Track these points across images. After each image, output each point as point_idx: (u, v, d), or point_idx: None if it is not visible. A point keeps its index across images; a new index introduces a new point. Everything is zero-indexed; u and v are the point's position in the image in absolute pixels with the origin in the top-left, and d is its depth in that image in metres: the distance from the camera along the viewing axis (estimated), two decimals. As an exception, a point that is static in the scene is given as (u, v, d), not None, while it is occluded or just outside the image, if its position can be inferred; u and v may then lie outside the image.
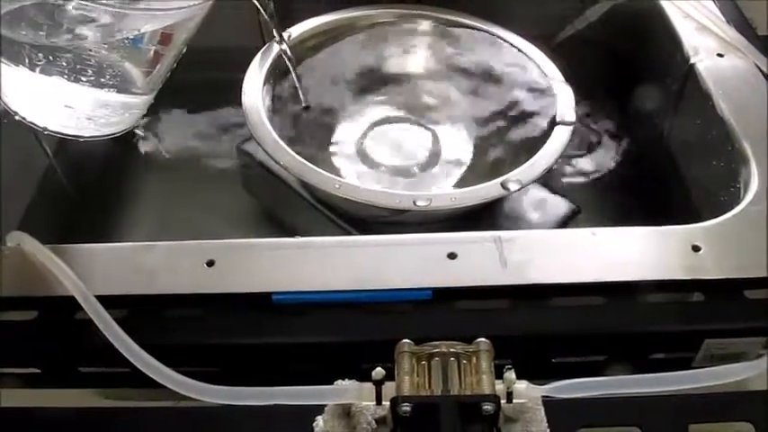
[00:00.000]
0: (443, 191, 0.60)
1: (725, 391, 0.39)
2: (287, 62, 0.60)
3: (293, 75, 0.61)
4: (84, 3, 0.41)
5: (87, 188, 0.67)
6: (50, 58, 0.43)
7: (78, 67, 0.43)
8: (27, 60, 0.42)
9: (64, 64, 0.43)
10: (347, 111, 0.67)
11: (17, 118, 0.45)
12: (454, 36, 0.67)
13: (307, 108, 0.63)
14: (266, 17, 0.57)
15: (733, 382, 0.39)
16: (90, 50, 0.43)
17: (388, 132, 0.66)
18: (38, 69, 0.43)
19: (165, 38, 0.46)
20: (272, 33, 0.59)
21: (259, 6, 0.56)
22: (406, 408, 0.33)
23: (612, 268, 0.45)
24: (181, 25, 0.46)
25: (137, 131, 0.69)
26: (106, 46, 0.43)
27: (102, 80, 0.45)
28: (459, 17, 0.67)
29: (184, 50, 0.49)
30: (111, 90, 0.46)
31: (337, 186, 0.52)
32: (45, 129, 0.46)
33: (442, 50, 0.68)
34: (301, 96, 0.62)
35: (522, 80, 0.63)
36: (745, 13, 0.64)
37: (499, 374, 0.35)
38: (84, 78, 0.44)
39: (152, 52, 0.46)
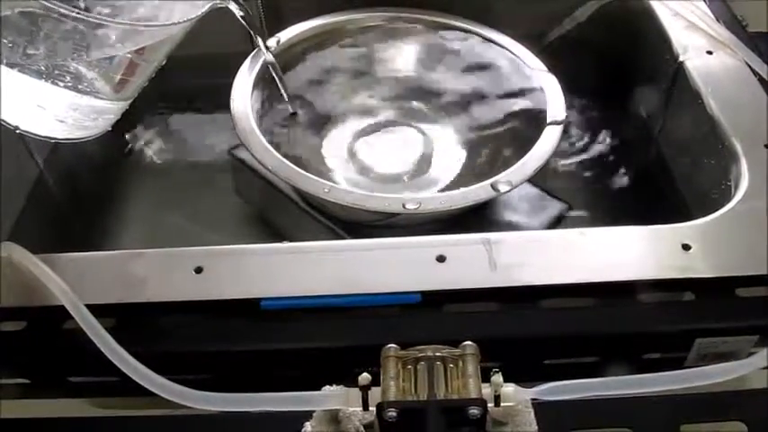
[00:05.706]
0: (433, 193, 0.59)
1: (717, 391, 0.39)
2: (273, 73, 0.60)
3: (279, 84, 0.61)
4: (67, 16, 0.41)
5: (78, 196, 0.67)
6: (29, 62, 0.43)
7: (56, 72, 0.43)
8: (4, 60, 0.42)
9: (42, 68, 0.43)
10: (337, 115, 0.67)
11: None
12: (444, 38, 0.67)
13: (294, 114, 0.63)
14: (251, 30, 0.57)
15: (725, 381, 0.38)
16: (69, 58, 0.43)
17: (378, 136, 0.66)
18: (15, 69, 0.43)
19: (143, 47, 0.46)
20: (260, 41, 0.59)
21: (245, 24, 0.56)
22: (392, 413, 0.33)
23: (602, 269, 0.44)
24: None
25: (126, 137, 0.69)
26: (85, 55, 0.43)
27: (80, 86, 0.45)
28: (449, 19, 0.67)
29: (164, 62, 0.49)
30: (86, 95, 0.45)
31: (326, 190, 0.52)
32: (17, 128, 0.46)
33: (432, 53, 0.68)
34: (287, 103, 0.62)
35: (513, 81, 0.63)
36: (734, 10, 0.64)
37: (487, 378, 0.35)
38: (61, 84, 0.44)
39: (129, 61, 0.46)
